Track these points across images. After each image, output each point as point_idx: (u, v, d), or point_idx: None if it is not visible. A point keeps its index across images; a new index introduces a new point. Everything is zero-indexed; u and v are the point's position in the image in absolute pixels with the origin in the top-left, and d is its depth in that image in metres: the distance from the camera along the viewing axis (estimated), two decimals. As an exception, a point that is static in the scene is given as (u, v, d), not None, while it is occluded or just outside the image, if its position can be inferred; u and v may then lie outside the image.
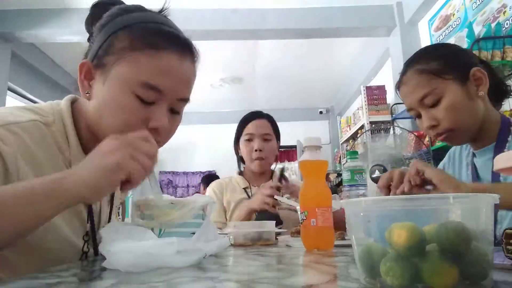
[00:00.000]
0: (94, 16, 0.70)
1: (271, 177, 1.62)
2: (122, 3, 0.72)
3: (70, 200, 0.51)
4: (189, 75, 0.67)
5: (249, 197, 1.54)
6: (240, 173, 1.67)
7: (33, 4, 3.31)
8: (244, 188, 1.58)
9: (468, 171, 1.00)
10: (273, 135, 1.60)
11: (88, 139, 0.67)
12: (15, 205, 0.48)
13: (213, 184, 1.65)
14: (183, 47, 0.65)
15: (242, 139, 1.61)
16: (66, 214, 0.63)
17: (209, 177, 4.65)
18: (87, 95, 0.65)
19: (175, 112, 0.68)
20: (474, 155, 0.98)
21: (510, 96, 0.98)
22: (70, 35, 3.44)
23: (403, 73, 0.95)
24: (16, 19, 3.34)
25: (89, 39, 0.71)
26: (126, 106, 0.61)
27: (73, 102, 0.71)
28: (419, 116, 0.94)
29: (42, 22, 3.36)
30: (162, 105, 0.64)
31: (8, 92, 3.63)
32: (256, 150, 1.55)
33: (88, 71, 0.65)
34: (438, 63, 0.89)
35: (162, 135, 0.65)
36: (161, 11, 0.71)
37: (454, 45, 1.02)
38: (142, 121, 0.62)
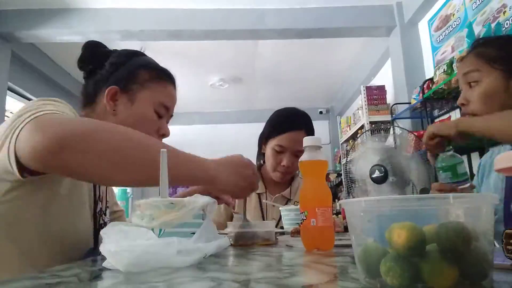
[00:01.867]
0: (86, 56, 0.90)
1: (290, 184, 1.54)
2: (105, 47, 0.94)
3: (200, 179, 0.70)
4: (176, 99, 0.98)
5: (260, 204, 1.47)
6: (260, 173, 1.53)
7: (33, 4, 3.31)
8: (259, 194, 1.50)
9: (499, 174, 0.99)
10: None
11: None
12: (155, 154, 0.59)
13: None
14: (174, 81, 0.96)
15: (271, 145, 1.48)
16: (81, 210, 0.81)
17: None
18: (114, 111, 0.85)
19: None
20: None
21: None
22: (70, 35, 3.44)
23: (468, 51, 1.02)
24: (16, 19, 3.33)
25: (90, 73, 0.90)
26: (152, 119, 0.88)
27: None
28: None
29: (42, 22, 3.36)
30: (165, 119, 0.93)
31: (8, 92, 3.62)
32: (283, 166, 1.44)
33: (115, 94, 0.86)
34: (494, 51, 0.94)
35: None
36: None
37: None
38: (156, 130, 0.89)
